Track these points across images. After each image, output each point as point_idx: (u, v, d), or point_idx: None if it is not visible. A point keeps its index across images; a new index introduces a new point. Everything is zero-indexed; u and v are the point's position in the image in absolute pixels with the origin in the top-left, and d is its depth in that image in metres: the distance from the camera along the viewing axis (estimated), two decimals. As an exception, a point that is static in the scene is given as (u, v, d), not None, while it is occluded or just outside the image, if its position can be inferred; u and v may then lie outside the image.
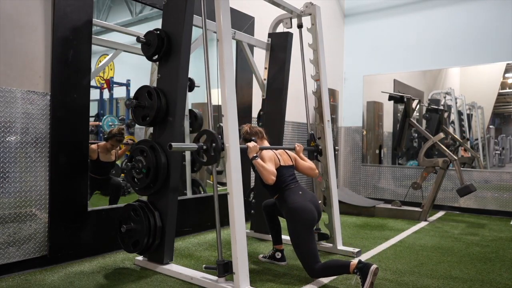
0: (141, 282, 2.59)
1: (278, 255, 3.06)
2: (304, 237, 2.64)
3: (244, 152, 2.64)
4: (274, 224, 3.11)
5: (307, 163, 3.06)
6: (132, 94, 3.47)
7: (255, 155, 2.69)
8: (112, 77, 4.82)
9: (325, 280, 2.69)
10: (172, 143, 2.37)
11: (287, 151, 3.05)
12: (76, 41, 2.97)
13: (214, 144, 2.44)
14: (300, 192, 2.78)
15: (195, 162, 4.48)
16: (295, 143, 3.24)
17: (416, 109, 6.00)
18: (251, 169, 4.14)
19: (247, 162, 2.75)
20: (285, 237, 3.78)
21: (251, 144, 2.70)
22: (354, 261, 2.45)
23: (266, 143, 3.00)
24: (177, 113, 2.78)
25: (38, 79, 2.82)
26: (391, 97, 5.49)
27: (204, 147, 2.48)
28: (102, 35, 4.11)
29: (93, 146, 3.86)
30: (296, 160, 3.04)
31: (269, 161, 2.75)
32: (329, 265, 2.60)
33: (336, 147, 3.71)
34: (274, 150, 2.93)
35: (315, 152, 3.47)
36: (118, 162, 4.30)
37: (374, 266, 2.36)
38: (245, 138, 2.94)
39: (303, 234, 2.64)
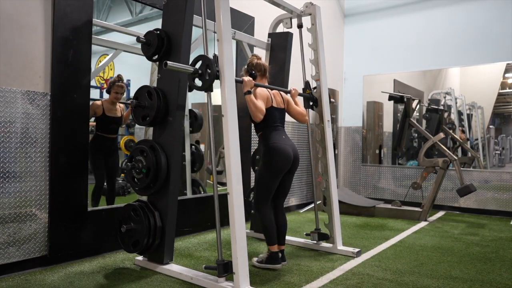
0: (141, 282, 2.59)
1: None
2: (269, 177, 2.85)
3: (239, 86, 2.72)
4: (277, 222, 3.04)
5: (299, 109, 3.15)
6: (132, 94, 3.47)
7: (249, 89, 2.74)
8: (112, 77, 4.82)
9: (325, 280, 2.69)
10: (168, 61, 2.39)
11: (282, 93, 3.10)
12: (76, 41, 2.97)
13: (209, 70, 2.49)
14: (284, 136, 2.91)
15: (195, 162, 4.49)
16: (291, 87, 3.25)
17: (416, 109, 6.00)
18: (251, 169, 4.14)
19: (247, 163, 2.75)
20: (288, 238, 3.79)
21: (246, 79, 2.75)
22: (276, 247, 2.87)
23: (265, 82, 3.04)
24: (177, 113, 2.78)
25: (38, 79, 2.82)
26: (391, 97, 5.49)
27: (200, 71, 2.52)
28: (102, 35, 4.11)
29: (97, 102, 3.83)
30: (289, 103, 3.11)
31: (261, 98, 2.83)
32: (267, 224, 2.85)
33: (335, 152, 3.71)
34: (269, 90, 2.97)
35: (310, 100, 3.48)
36: (120, 164, 4.28)
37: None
38: (248, 69, 2.99)
39: (270, 174, 2.84)
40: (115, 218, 2.95)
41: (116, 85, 3.88)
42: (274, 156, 2.81)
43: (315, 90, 3.54)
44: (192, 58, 2.93)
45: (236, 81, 2.63)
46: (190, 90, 2.81)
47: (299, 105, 3.18)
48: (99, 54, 4.65)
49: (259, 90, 2.88)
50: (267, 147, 2.85)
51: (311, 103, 3.52)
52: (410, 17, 6.31)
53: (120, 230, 2.83)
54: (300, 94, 3.33)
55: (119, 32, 3.85)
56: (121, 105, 4.01)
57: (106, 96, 4.79)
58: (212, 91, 2.54)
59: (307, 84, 3.52)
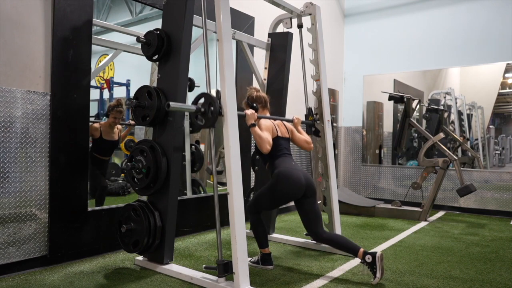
0: (141, 282, 2.59)
1: (369, 258, 2.63)
2: (272, 200, 2.82)
3: (242, 119, 2.70)
4: (337, 241, 2.89)
5: (303, 136, 3.12)
6: (132, 94, 3.47)
7: (253, 122, 2.73)
8: (112, 77, 4.82)
9: (325, 280, 2.69)
10: (170, 103, 2.39)
11: (285, 123, 3.09)
12: (76, 41, 2.97)
13: (212, 108, 2.47)
14: (293, 163, 2.87)
15: (195, 162, 4.49)
16: (293, 116, 3.26)
17: (416, 109, 5.99)
18: (251, 169, 4.14)
19: (247, 162, 2.75)
20: (288, 237, 3.78)
21: (249, 112, 2.74)
22: (268, 249, 2.86)
23: (267, 113, 3.04)
24: (177, 113, 2.78)
25: (38, 79, 2.82)
26: (391, 97, 5.49)
27: (202, 109, 2.50)
28: (102, 35, 4.11)
29: (95, 125, 3.85)
30: (293, 132, 3.10)
31: (266, 130, 2.81)
32: (258, 230, 2.87)
33: (335, 152, 3.72)
34: (273, 121, 2.97)
35: (312, 126, 3.48)
36: (120, 164, 4.29)
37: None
38: (248, 103, 2.99)
39: (272, 199, 2.81)
40: (115, 218, 2.95)
41: (115, 110, 3.91)
42: (282, 181, 2.74)
43: (317, 116, 3.52)
44: (192, 58, 2.94)
45: (239, 115, 2.59)
46: (190, 90, 2.81)
47: (302, 132, 3.16)
48: (99, 54, 4.64)
49: (263, 121, 2.87)
50: (276, 173, 2.77)
51: (313, 129, 3.50)
52: (410, 17, 6.31)
53: (120, 230, 2.83)
54: (302, 122, 3.33)
55: (119, 32, 3.85)
56: (119, 126, 4.04)
57: (106, 95, 4.80)
58: (214, 127, 2.52)
59: (309, 111, 3.51)
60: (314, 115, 3.50)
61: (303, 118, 3.42)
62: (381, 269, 2.54)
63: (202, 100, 2.55)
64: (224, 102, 2.49)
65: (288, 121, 3.18)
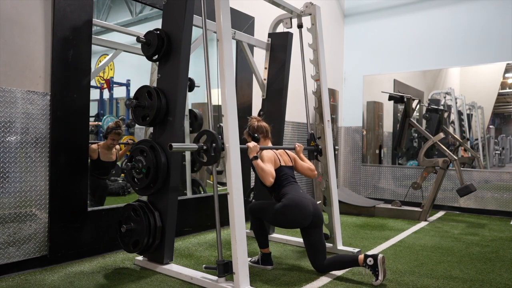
0: (141, 282, 2.59)
1: (370, 261, 2.63)
2: (274, 221, 2.80)
3: (244, 151, 2.65)
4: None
5: (307, 164, 3.08)
6: (132, 94, 3.47)
7: (255, 155, 2.70)
8: (112, 77, 4.82)
9: (325, 280, 2.69)
10: (173, 144, 2.37)
11: (287, 151, 3.07)
12: (76, 41, 2.97)
13: (214, 144, 2.45)
14: (301, 191, 2.82)
15: (195, 162, 4.49)
16: (295, 143, 3.25)
17: (416, 109, 6.00)
18: (251, 169, 4.14)
19: (247, 162, 2.75)
20: (288, 238, 3.78)
21: (251, 145, 2.71)
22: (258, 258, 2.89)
23: (269, 143, 3.02)
24: (177, 113, 2.78)
25: (38, 79, 2.82)
26: (391, 97, 5.49)
27: (204, 147, 2.48)
28: (102, 35, 4.11)
29: (94, 146, 3.85)
30: (296, 160, 3.06)
31: (269, 161, 2.77)
32: (263, 231, 2.90)
33: (336, 147, 3.72)
34: (275, 150, 2.93)
35: (315, 152, 3.47)
36: (119, 163, 4.30)
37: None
38: (250, 133, 2.97)
39: (276, 221, 2.79)
40: (115, 218, 2.95)
41: (113, 133, 3.89)
42: (290, 209, 2.68)
43: (319, 139, 3.51)
44: (192, 58, 2.94)
45: (241, 149, 2.56)
46: (190, 90, 2.81)
47: (305, 160, 3.14)
48: (99, 54, 4.64)
49: (265, 152, 2.84)
50: (285, 201, 2.71)
51: (315, 154, 3.49)
52: (410, 17, 6.31)
53: (120, 230, 2.83)
54: (305, 148, 3.32)
55: (119, 32, 3.85)
56: (117, 146, 4.03)
57: (106, 95, 4.80)
58: (218, 163, 2.51)
59: (311, 135, 3.50)
60: (316, 139, 3.48)
61: (302, 119, 3.41)
62: (383, 271, 2.54)
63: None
64: (224, 103, 2.49)
65: (290, 149, 3.16)
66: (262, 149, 2.84)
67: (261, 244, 2.94)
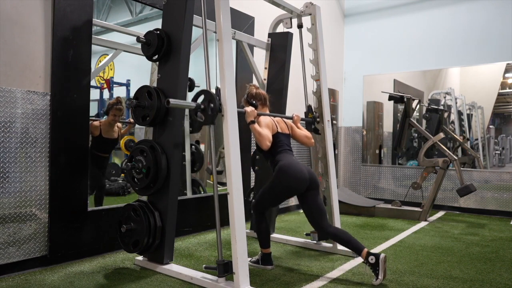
0: (141, 282, 2.59)
1: (372, 259, 2.64)
2: (276, 196, 2.83)
3: (241, 115, 2.69)
4: (340, 236, 2.88)
5: (304, 132, 3.13)
6: (132, 94, 3.47)
7: (252, 119, 2.73)
8: (112, 77, 4.82)
9: (325, 280, 2.69)
10: (170, 99, 2.39)
11: (284, 119, 3.09)
12: (76, 41, 2.97)
13: (212, 105, 2.47)
14: (294, 158, 2.87)
15: (195, 162, 4.49)
16: (293, 113, 3.25)
17: (416, 109, 6.00)
18: (251, 169, 4.14)
19: (247, 163, 2.75)
20: (288, 237, 3.78)
21: (248, 109, 2.74)
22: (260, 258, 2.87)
23: (267, 111, 3.04)
24: (177, 113, 2.78)
25: (38, 79, 2.82)
26: (391, 97, 5.49)
27: (202, 106, 2.51)
28: (102, 35, 4.11)
29: (95, 123, 3.86)
30: (293, 128, 3.11)
31: (266, 126, 2.81)
32: (261, 230, 2.88)
33: (336, 152, 3.72)
34: (272, 118, 2.97)
35: (312, 124, 3.48)
36: (120, 164, 4.29)
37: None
38: (248, 100, 2.99)
39: (275, 194, 2.81)
40: (115, 218, 2.95)
41: (114, 108, 3.92)
42: (284, 175, 2.72)
43: (316, 114, 3.53)
44: (192, 58, 2.94)
45: (238, 112, 2.59)
46: (190, 90, 2.82)
47: (302, 129, 3.16)
48: (99, 54, 4.64)
49: (263, 118, 2.87)
50: (278, 168, 2.76)
51: (313, 127, 3.51)
52: (410, 17, 6.31)
53: (120, 230, 2.83)
54: (302, 119, 3.33)
55: (119, 32, 3.85)
56: (119, 124, 4.04)
57: (106, 95, 4.80)
58: (214, 124, 2.53)
59: (309, 108, 3.52)
60: (314, 113, 3.51)
61: (302, 116, 3.42)
62: (383, 271, 2.55)
63: (202, 98, 2.56)
64: (224, 101, 2.49)
65: (287, 118, 3.18)
66: (259, 115, 2.87)
67: (262, 244, 2.93)
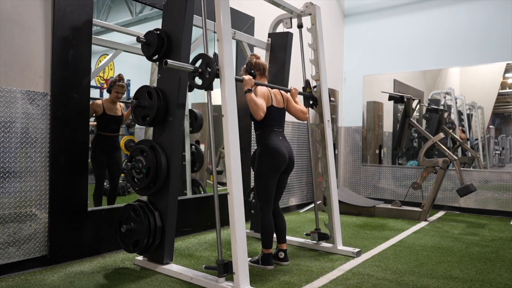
0: (141, 282, 2.59)
1: (281, 254, 3.03)
2: (267, 177, 2.88)
3: (240, 85, 2.75)
4: (275, 222, 3.07)
5: (299, 106, 3.17)
6: (132, 94, 3.47)
7: (249, 88, 2.75)
8: (112, 77, 4.82)
9: (325, 280, 2.69)
10: (168, 60, 2.39)
11: (282, 92, 3.11)
12: (76, 41, 2.97)
13: (209, 69, 2.49)
14: (280, 138, 2.94)
15: (195, 162, 4.49)
16: (291, 86, 3.26)
17: (416, 109, 6.00)
18: (251, 169, 4.14)
19: (247, 163, 2.75)
20: (288, 238, 3.79)
21: (246, 77, 2.76)
22: (270, 251, 2.90)
23: (265, 81, 3.05)
24: (177, 113, 2.78)
25: (38, 79, 2.82)
26: (391, 97, 5.49)
27: (200, 70, 2.52)
28: (102, 35, 4.11)
29: (98, 101, 3.85)
30: (289, 101, 3.13)
31: (262, 96, 2.84)
32: (267, 226, 2.90)
33: (335, 152, 3.72)
34: (270, 89, 2.99)
35: (310, 98, 3.48)
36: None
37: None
38: (247, 69, 3.00)
39: (267, 175, 2.88)
40: (115, 218, 2.95)
41: (117, 85, 3.90)
42: (270, 155, 2.86)
43: (315, 90, 3.54)
44: (192, 58, 2.93)
45: (236, 80, 2.63)
46: (190, 90, 2.81)
47: (299, 103, 3.20)
48: (99, 54, 4.65)
49: (260, 88, 2.89)
50: (263, 147, 2.90)
51: (311, 102, 3.52)
52: (410, 17, 6.31)
53: (120, 230, 2.83)
54: (300, 93, 3.34)
55: (119, 32, 3.85)
56: (121, 104, 4.02)
57: (106, 95, 4.80)
58: (212, 89, 2.54)
59: (307, 83, 3.53)
60: (312, 88, 3.51)
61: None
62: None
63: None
64: (224, 103, 2.49)
65: (285, 90, 3.18)
66: (257, 85, 2.88)
67: (265, 244, 2.93)
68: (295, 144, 5.55)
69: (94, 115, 3.79)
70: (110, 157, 3.96)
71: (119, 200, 4.15)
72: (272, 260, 2.96)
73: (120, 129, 4.20)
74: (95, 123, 3.90)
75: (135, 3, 4.74)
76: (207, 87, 2.53)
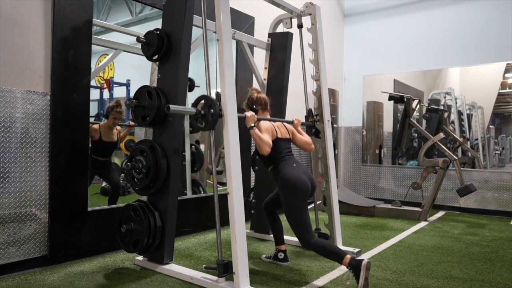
0: (141, 282, 2.59)
1: (281, 255, 3.05)
2: (297, 208, 2.68)
3: (242, 120, 2.68)
4: (275, 224, 3.11)
5: (304, 138, 3.10)
6: (132, 94, 3.47)
7: (252, 124, 2.71)
8: (112, 77, 4.82)
9: (325, 280, 2.69)
10: (170, 105, 2.38)
11: (285, 124, 3.08)
12: (76, 41, 2.97)
13: (212, 110, 2.46)
14: (294, 165, 2.83)
15: (195, 162, 4.48)
16: (293, 117, 3.24)
17: (416, 109, 6.00)
18: (251, 169, 4.14)
19: (247, 163, 2.75)
20: (288, 237, 3.79)
21: (249, 114, 2.73)
22: (348, 256, 2.46)
23: (267, 115, 3.03)
24: (177, 114, 2.78)
25: (38, 79, 2.82)
26: (391, 97, 5.49)
27: (202, 112, 2.50)
28: (102, 35, 4.11)
29: (95, 126, 3.84)
30: (294, 133, 3.08)
31: (266, 132, 2.78)
32: (325, 245, 2.61)
33: (336, 152, 3.72)
34: (272, 122, 2.96)
35: (312, 127, 3.47)
36: (120, 164, 4.29)
37: (365, 261, 2.37)
38: (249, 104, 2.98)
39: (295, 205, 2.69)
40: (115, 218, 2.95)
41: (114, 111, 3.89)
42: (289, 186, 2.69)
43: (317, 118, 3.52)
44: (192, 58, 2.94)
45: (239, 117, 2.58)
46: (190, 90, 2.82)
47: (303, 134, 3.13)
48: (99, 54, 4.64)
49: (263, 123, 2.84)
50: (281, 182, 2.74)
51: (313, 131, 3.50)
52: (410, 17, 6.31)
53: (120, 230, 2.83)
54: (302, 123, 3.31)
55: (119, 32, 3.85)
56: (118, 127, 4.02)
57: (106, 95, 4.80)
58: (214, 129, 2.51)
59: (309, 112, 3.51)
60: (314, 116, 3.50)
61: (303, 119, 3.41)
62: (364, 278, 2.35)
63: (202, 102, 2.55)
64: (224, 103, 2.49)
65: (288, 122, 3.17)
66: (259, 119, 2.85)
67: (276, 241, 3.07)
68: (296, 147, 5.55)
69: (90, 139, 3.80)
70: (106, 176, 4.00)
71: (119, 200, 4.15)
72: (287, 256, 3.04)
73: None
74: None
75: (135, 3, 4.74)
76: (211, 128, 2.49)
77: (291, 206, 2.69)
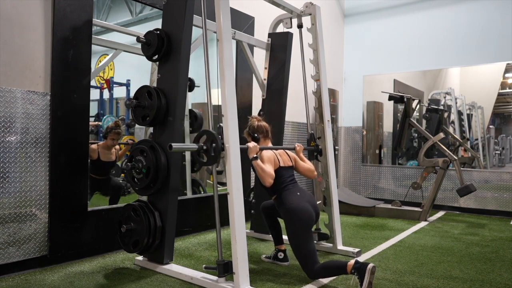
0: (141, 282, 2.59)
1: (281, 255, 3.05)
2: (302, 238, 2.64)
3: (244, 151, 2.65)
4: (274, 225, 3.12)
5: (307, 165, 3.06)
6: (132, 94, 3.47)
7: (255, 155, 2.69)
8: (112, 77, 4.82)
9: (325, 280, 2.69)
10: (173, 144, 2.37)
11: (287, 151, 3.06)
12: (76, 41, 2.97)
13: (214, 145, 2.44)
14: (298, 193, 2.78)
15: (195, 162, 4.48)
16: (295, 143, 3.25)
17: (416, 109, 6.00)
18: (251, 169, 4.14)
19: (247, 162, 2.75)
20: (286, 237, 3.78)
21: (251, 145, 2.69)
22: (351, 262, 2.44)
23: (269, 143, 3.00)
24: (177, 113, 2.78)
25: (38, 79, 2.82)
26: (391, 97, 5.49)
27: (204, 147, 2.48)
28: (102, 35, 4.11)
29: (93, 146, 3.84)
30: (296, 161, 3.04)
31: (268, 162, 2.75)
32: (327, 266, 2.59)
33: (336, 147, 3.72)
34: (274, 151, 2.93)
35: (315, 152, 3.47)
36: (119, 163, 4.30)
37: (371, 265, 2.35)
38: (250, 132, 2.96)
39: (300, 235, 2.64)
40: (115, 218, 2.95)
41: (113, 132, 3.89)
42: (294, 216, 2.66)
43: (319, 140, 3.51)
44: (192, 58, 2.94)
45: (241, 149, 2.56)
46: (190, 90, 2.82)
47: (305, 160, 3.10)
48: (99, 54, 4.64)
49: (265, 152, 2.81)
50: (285, 211, 2.71)
51: (315, 154, 3.48)
52: (410, 17, 6.31)
53: (120, 230, 2.83)
54: (305, 148, 3.30)
55: (119, 32, 3.85)
56: (116, 146, 4.02)
57: (106, 95, 4.80)
58: (218, 163, 2.50)
59: (311, 136, 3.50)
60: (316, 140, 3.48)
61: (303, 119, 3.40)
62: (368, 282, 2.33)
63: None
64: (224, 104, 2.49)
65: (290, 149, 3.14)
66: (261, 149, 2.83)
67: (276, 241, 3.08)
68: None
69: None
70: (105, 192, 3.99)
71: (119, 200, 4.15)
72: (287, 256, 3.05)
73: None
74: (95, 123, 3.90)
75: (135, 3, 4.74)
76: (213, 163, 2.48)
77: (295, 235, 2.66)
